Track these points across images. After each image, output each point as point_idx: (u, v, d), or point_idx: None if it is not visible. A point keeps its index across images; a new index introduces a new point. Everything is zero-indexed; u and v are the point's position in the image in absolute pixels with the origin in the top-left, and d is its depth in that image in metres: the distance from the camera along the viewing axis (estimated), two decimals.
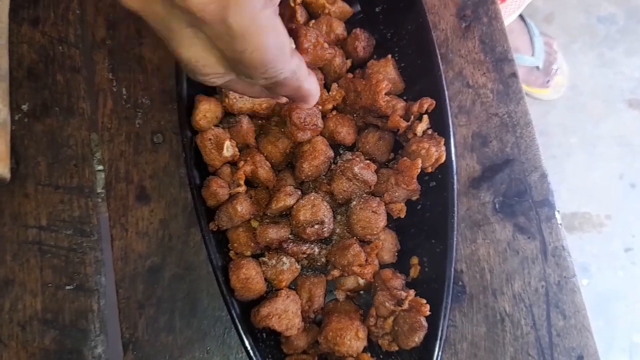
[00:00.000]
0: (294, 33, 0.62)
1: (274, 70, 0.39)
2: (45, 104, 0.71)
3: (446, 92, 0.63)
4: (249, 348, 0.57)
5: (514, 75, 0.75)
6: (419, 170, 0.61)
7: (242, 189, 0.61)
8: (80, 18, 0.74)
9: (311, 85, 0.46)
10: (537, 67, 1.62)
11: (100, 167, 0.69)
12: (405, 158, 0.62)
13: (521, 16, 1.61)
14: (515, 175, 0.71)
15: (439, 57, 0.64)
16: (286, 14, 0.67)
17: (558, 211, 0.69)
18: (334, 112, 0.66)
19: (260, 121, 0.66)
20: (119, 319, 0.65)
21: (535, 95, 1.66)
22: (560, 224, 0.69)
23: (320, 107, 0.64)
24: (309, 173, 0.62)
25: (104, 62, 0.72)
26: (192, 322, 0.65)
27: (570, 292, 0.67)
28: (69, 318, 0.65)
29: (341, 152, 0.67)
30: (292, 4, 0.67)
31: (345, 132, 0.65)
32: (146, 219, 0.67)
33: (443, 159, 0.62)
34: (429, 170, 0.62)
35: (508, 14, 1.48)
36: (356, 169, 0.61)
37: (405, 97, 0.68)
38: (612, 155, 1.73)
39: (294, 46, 0.43)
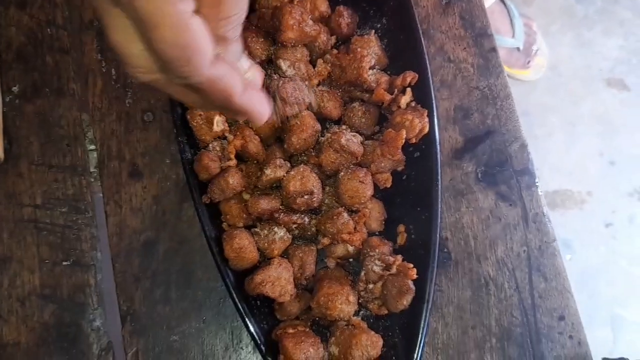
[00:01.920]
0: (278, 11, 0.64)
1: (185, 71, 0.36)
2: (36, 85, 0.72)
3: (428, 66, 0.65)
4: (244, 315, 0.59)
5: (494, 49, 0.77)
6: (404, 141, 0.63)
7: (233, 162, 0.63)
8: (67, 0, 0.74)
9: (251, 101, 0.43)
10: (518, 49, 1.64)
11: (92, 147, 0.71)
12: (390, 130, 0.64)
13: None
14: (496, 146, 0.73)
15: (420, 32, 0.66)
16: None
17: (537, 179, 0.72)
18: (320, 87, 0.68)
19: None
20: (115, 292, 0.66)
21: (516, 76, 1.70)
22: (541, 192, 0.72)
23: (306, 83, 0.66)
24: (298, 146, 0.64)
25: (93, 43, 0.73)
26: (188, 294, 0.67)
27: (551, 256, 0.70)
28: (66, 293, 0.66)
29: (328, 126, 0.69)
30: None
31: (332, 107, 0.67)
32: (139, 195, 0.69)
33: (426, 129, 0.64)
34: (413, 141, 0.64)
35: None
36: (343, 141, 0.63)
37: (389, 72, 0.70)
38: (591, 134, 1.77)
39: (234, 57, 0.42)
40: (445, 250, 0.70)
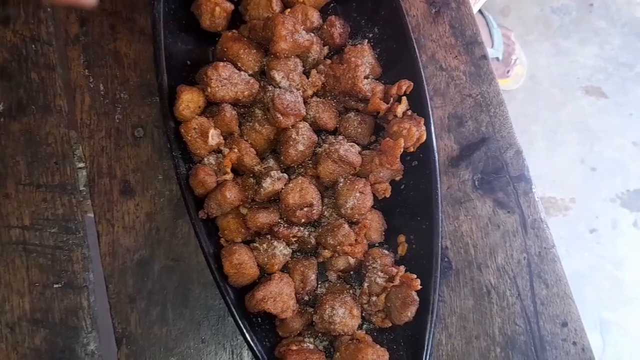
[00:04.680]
0: (270, 22, 0.63)
1: None
2: (21, 102, 0.70)
3: (423, 74, 0.65)
4: (245, 333, 0.57)
5: (484, 57, 0.77)
6: (402, 150, 0.62)
7: (230, 176, 0.62)
8: (52, 15, 0.73)
9: None
10: (497, 59, 1.66)
11: (82, 164, 0.69)
12: (387, 139, 0.63)
13: (479, 10, 1.65)
14: (492, 153, 0.73)
15: (414, 40, 0.66)
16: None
17: (534, 185, 0.72)
18: (315, 98, 0.67)
19: (242, 110, 0.66)
20: (110, 314, 0.64)
21: None
22: (537, 198, 0.72)
23: (301, 94, 0.65)
24: (295, 158, 0.63)
25: (79, 58, 0.72)
26: (185, 313, 0.65)
27: (551, 262, 0.70)
28: (58, 316, 0.64)
29: (323, 136, 0.68)
30: None
31: (327, 117, 0.66)
32: (132, 213, 0.67)
33: (424, 138, 0.63)
34: (411, 149, 0.64)
35: None
36: (342, 151, 0.62)
37: (382, 81, 0.70)
38: (572, 141, 1.79)
39: None
40: (446, 259, 0.69)
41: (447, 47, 0.77)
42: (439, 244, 0.61)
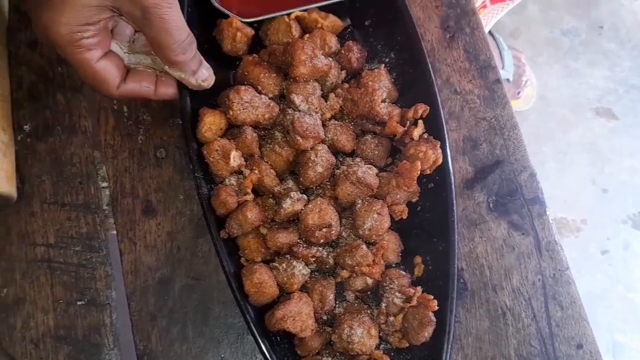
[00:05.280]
0: (290, 47, 0.65)
1: (101, 92, 0.59)
2: (47, 123, 0.72)
3: (438, 98, 0.67)
4: (265, 351, 0.58)
5: (498, 81, 0.79)
6: (419, 172, 0.64)
7: (250, 197, 0.63)
8: None
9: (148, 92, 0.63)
10: (508, 80, 1.68)
11: (105, 184, 0.70)
12: (404, 161, 0.65)
13: (489, 32, 1.68)
14: (506, 176, 0.74)
15: (429, 65, 0.68)
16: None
17: (547, 208, 0.73)
18: (333, 121, 0.69)
19: (262, 132, 0.68)
20: (132, 331, 0.65)
21: None
22: (552, 220, 0.73)
23: (320, 117, 0.67)
24: (314, 179, 0.65)
25: None
26: (205, 331, 0.66)
27: (566, 284, 0.70)
28: (81, 333, 0.65)
29: (341, 158, 0.69)
30: (287, 19, 0.70)
31: (345, 140, 0.68)
32: (154, 232, 0.68)
33: (440, 160, 0.65)
34: (428, 172, 0.65)
35: None
36: (360, 173, 0.63)
37: (399, 104, 0.71)
38: (583, 162, 1.80)
39: (187, 75, 0.61)
40: (462, 280, 0.70)
41: (462, 71, 0.79)
42: (455, 265, 0.62)
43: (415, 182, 0.64)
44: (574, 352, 0.68)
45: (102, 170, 0.71)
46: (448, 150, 0.66)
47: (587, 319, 0.70)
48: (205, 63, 0.63)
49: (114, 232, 0.68)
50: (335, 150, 0.68)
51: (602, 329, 1.59)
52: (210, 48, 0.69)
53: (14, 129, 0.70)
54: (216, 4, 0.69)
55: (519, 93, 1.71)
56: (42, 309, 0.65)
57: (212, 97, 0.68)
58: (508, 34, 1.87)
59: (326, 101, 0.69)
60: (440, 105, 0.67)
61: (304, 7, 0.70)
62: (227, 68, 0.71)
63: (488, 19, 1.61)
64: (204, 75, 0.63)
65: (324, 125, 0.68)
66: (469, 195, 0.73)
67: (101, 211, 0.69)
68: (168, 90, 0.63)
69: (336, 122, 0.69)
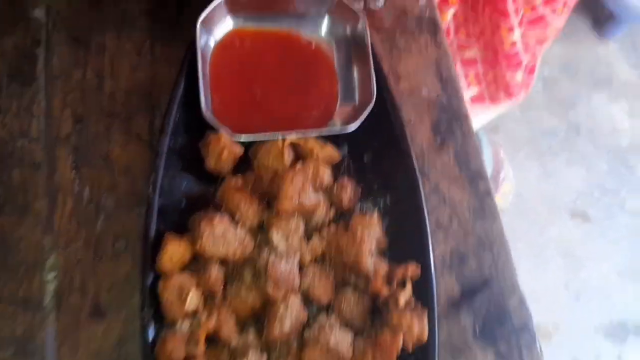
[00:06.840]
0: (279, 179, 0.60)
1: None
2: None
3: (432, 260, 0.62)
4: None
5: (489, 194, 0.75)
6: (400, 348, 0.58)
7: (201, 350, 0.55)
8: (45, 111, 0.69)
9: None
10: None
11: (52, 275, 0.62)
12: (385, 333, 0.58)
13: None
14: (495, 298, 0.69)
15: (426, 214, 0.64)
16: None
17: (538, 338, 0.68)
18: (312, 266, 0.63)
19: (231, 268, 0.61)
20: None
21: None
22: (540, 351, 0.67)
23: (298, 259, 0.61)
24: (279, 337, 0.58)
25: (68, 159, 0.67)
26: None
27: None
28: None
29: (314, 311, 0.62)
30: (280, 145, 0.64)
31: (322, 291, 0.61)
32: (99, 339, 0.60)
33: (425, 337, 0.59)
34: (410, 349, 0.59)
35: None
36: (332, 342, 0.57)
37: (387, 255, 0.65)
38: (557, 265, 1.78)
39: None
40: None
41: (451, 179, 0.75)
42: None
43: (395, 358, 0.58)
44: None
45: (51, 260, 0.63)
46: (436, 320, 0.60)
47: None
48: None
49: (53, 335, 0.60)
50: (309, 300, 0.62)
51: None
52: (194, 157, 0.64)
53: None
54: (208, 115, 0.63)
55: (496, 189, 1.70)
56: None
57: (184, 216, 0.62)
58: (488, 130, 1.88)
59: (308, 240, 0.63)
60: (433, 267, 0.62)
61: (304, 133, 0.66)
62: (208, 183, 0.65)
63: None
64: None
65: (301, 268, 0.61)
66: (455, 316, 0.68)
67: (42, 309, 0.61)
68: None
69: (315, 268, 0.62)
